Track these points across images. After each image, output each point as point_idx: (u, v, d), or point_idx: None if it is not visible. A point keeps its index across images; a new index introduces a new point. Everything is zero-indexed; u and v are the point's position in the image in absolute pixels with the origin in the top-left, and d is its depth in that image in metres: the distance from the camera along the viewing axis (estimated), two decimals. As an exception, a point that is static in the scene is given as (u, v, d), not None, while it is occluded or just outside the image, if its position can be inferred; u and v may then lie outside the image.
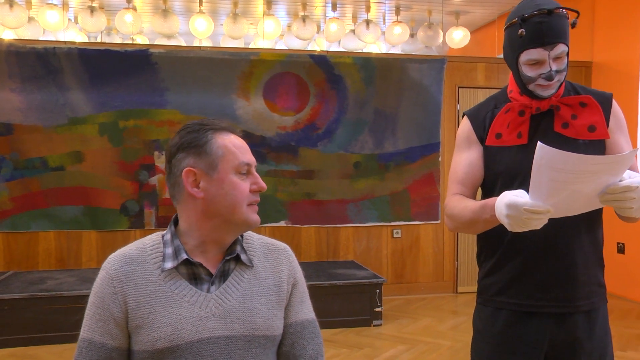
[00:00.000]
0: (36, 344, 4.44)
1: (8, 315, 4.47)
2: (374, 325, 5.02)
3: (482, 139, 1.88)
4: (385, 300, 5.77)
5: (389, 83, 5.89)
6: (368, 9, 7.25)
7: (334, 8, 7.10)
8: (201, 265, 1.45)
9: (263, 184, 1.49)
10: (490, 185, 1.86)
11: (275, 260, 1.56)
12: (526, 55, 1.71)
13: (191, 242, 1.46)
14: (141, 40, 7.48)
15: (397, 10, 7.32)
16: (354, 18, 7.81)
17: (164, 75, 5.46)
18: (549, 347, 1.80)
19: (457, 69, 6.14)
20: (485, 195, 1.90)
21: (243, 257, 1.50)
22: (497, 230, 1.74)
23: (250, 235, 1.59)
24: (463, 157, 1.90)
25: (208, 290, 1.44)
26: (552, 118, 1.79)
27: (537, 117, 1.80)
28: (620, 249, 5.90)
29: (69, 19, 6.92)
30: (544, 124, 1.80)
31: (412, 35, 7.81)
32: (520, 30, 1.69)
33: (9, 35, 6.59)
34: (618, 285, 5.66)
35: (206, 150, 1.42)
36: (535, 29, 1.68)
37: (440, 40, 7.25)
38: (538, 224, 1.52)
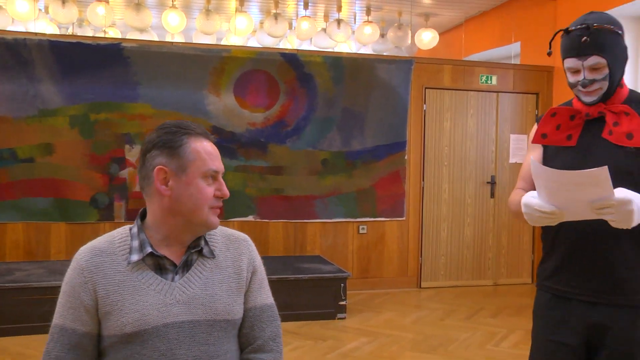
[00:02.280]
0: (3, 335, 4.47)
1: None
2: (339, 319, 5.16)
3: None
4: (350, 294, 5.91)
5: (357, 82, 6.03)
6: (339, 9, 7.38)
7: (305, 6, 7.22)
8: (165, 257, 1.58)
9: (226, 192, 1.62)
10: None
11: (235, 250, 1.69)
12: (566, 64, 1.93)
13: (156, 236, 1.59)
14: (113, 33, 7.50)
15: (368, 11, 7.46)
16: (326, 17, 7.94)
17: (136, 69, 5.51)
18: (588, 332, 1.96)
19: (424, 70, 6.30)
20: None
21: (205, 249, 1.63)
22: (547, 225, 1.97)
23: None
24: (527, 157, 2.13)
25: (172, 280, 1.57)
26: (604, 125, 1.95)
27: (591, 123, 1.98)
28: None
29: (40, 9, 6.90)
30: (594, 130, 1.97)
31: (382, 36, 7.97)
32: (548, 51, 2.01)
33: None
34: None
35: (179, 153, 1.55)
36: (572, 41, 1.89)
37: (409, 41, 7.40)
38: (550, 222, 1.80)
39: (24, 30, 6.63)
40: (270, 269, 5.32)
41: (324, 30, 7.63)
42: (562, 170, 1.70)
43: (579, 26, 1.89)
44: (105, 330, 1.53)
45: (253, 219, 5.90)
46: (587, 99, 1.94)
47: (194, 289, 1.57)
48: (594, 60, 1.87)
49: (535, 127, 2.15)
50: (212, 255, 1.64)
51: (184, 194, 1.55)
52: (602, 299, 1.94)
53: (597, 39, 1.87)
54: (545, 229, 2.09)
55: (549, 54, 2.05)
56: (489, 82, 6.46)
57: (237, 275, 1.65)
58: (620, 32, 1.92)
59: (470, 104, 6.44)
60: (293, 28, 7.81)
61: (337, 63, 5.98)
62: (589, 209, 1.72)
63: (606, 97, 1.93)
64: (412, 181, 6.30)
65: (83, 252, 1.58)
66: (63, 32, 7.36)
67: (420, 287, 6.41)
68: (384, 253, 6.31)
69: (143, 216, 1.64)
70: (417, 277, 6.41)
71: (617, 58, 1.91)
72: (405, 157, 6.22)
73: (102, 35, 6.99)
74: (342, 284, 5.18)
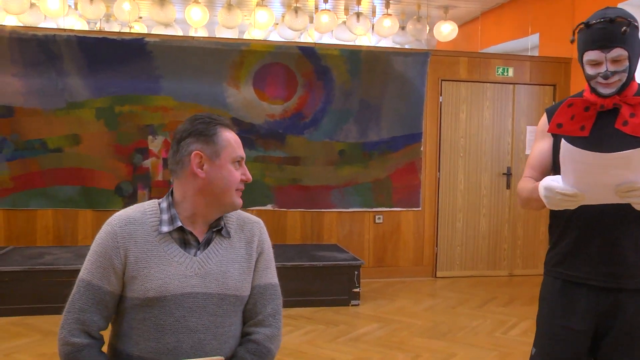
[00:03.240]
0: (33, 313, 4.74)
1: (8, 286, 4.78)
2: (352, 305, 5.31)
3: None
4: (366, 282, 6.07)
5: (374, 75, 6.16)
6: (359, 2, 7.49)
7: (325, 0, 7.34)
8: (191, 233, 1.77)
9: (249, 176, 1.84)
10: (558, 171, 2.08)
11: (249, 232, 1.87)
12: (587, 56, 1.98)
13: (183, 213, 1.77)
14: (139, 27, 7.73)
15: (387, 3, 7.55)
16: (346, 10, 8.05)
17: (158, 63, 5.72)
18: (598, 317, 2.04)
19: (440, 63, 6.39)
20: None
21: (223, 230, 1.82)
22: (559, 211, 2.03)
23: None
24: (537, 146, 2.21)
25: (195, 254, 1.76)
26: (616, 116, 2.01)
27: (604, 114, 2.03)
28: None
29: (69, 6, 7.16)
30: (607, 121, 2.02)
31: (402, 28, 8.06)
32: (579, 34, 2.00)
33: (11, 21, 6.85)
34: None
35: (214, 140, 1.75)
36: (595, 34, 1.95)
37: (427, 33, 7.48)
38: (570, 205, 1.83)
39: (54, 26, 6.89)
40: (287, 257, 5.53)
41: (344, 23, 7.75)
42: (596, 153, 1.71)
43: (600, 19, 1.94)
44: (130, 292, 1.71)
45: (271, 208, 6.08)
46: (606, 91, 1.99)
47: (210, 265, 1.76)
48: (617, 52, 1.93)
49: (544, 116, 2.22)
50: (228, 235, 1.82)
51: (217, 176, 1.74)
52: (612, 283, 2.01)
53: (616, 32, 1.92)
54: (555, 218, 2.17)
55: (572, 41, 2.08)
56: (506, 74, 6.51)
57: (248, 256, 1.84)
58: (637, 25, 1.98)
59: (486, 95, 6.50)
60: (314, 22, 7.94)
61: (354, 56, 6.11)
62: (613, 192, 1.78)
63: (621, 90, 2.00)
64: (427, 172, 6.41)
65: (117, 218, 1.75)
66: (91, 28, 7.62)
67: (435, 277, 6.52)
68: (400, 242, 6.43)
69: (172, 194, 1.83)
70: (432, 267, 6.53)
71: (636, 51, 1.98)
72: (421, 148, 6.33)
73: (127, 30, 7.22)
74: (355, 272, 5.33)
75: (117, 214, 1.78)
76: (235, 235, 1.83)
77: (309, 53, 6.03)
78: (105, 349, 1.78)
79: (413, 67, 6.22)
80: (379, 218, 6.34)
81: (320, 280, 5.30)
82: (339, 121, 6.14)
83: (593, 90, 2.04)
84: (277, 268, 5.54)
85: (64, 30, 5.70)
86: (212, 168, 1.74)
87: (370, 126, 6.20)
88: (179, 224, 1.74)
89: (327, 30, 7.38)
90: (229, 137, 1.77)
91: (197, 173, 1.73)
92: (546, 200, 1.86)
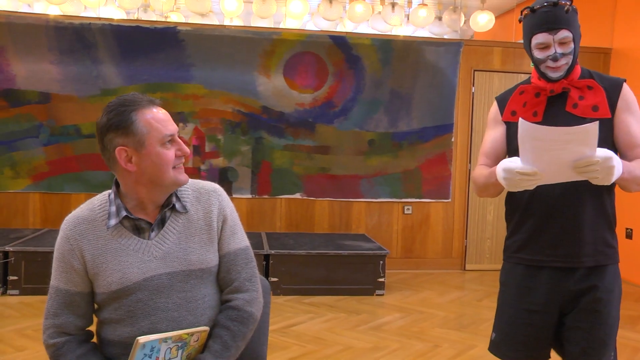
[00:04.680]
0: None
1: (42, 266, 4.94)
2: (377, 295, 5.30)
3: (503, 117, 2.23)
4: (393, 273, 6.05)
5: (405, 65, 6.11)
6: (394, -8, 7.41)
7: (361, -10, 7.28)
8: (140, 218, 1.75)
9: (186, 149, 1.74)
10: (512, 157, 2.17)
11: (206, 201, 1.84)
12: (535, 40, 2.03)
13: (130, 203, 1.76)
14: (177, 17, 7.84)
15: (423, -7, 7.45)
16: (382, 0, 7.98)
17: (190, 51, 5.81)
18: (563, 295, 2.09)
19: (473, 53, 6.29)
20: None
21: (177, 205, 1.79)
22: (516, 197, 2.13)
23: None
24: (490, 134, 2.25)
25: (148, 238, 1.75)
26: (565, 100, 2.07)
27: (554, 99, 2.09)
28: (629, 235, 6.01)
29: (108, -4, 7.31)
30: (557, 105, 2.08)
31: (439, 19, 7.94)
32: (519, 18, 2.08)
33: (53, 11, 7.04)
34: (625, 269, 5.77)
35: (133, 130, 1.65)
36: (541, 17, 2.00)
37: (462, 23, 7.36)
38: (529, 184, 1.87)
39: (94, 16, 7.06)
40: (313, 245, 5.56)
41: (379, 13, 7.68)
42: (554, 127, 1.77)
43: (544, 4, 1.99)
44: (97, 289, 1.74)
45: (300, 197, 6.11)
46: (554, 75, 2.04)
47: (168, 244, 1.75)
48: (563, 34, 1.99)
49: (495, 105, 2.27)
50: (185, 209, 1.79)
51: (149, 164, 1.67)
52: (573, 263, 2.07)
53: (563, 14, 1.98)
54: (512, 205, 2.20)
55: (520, 20, 2.12)
56: (541, 64, 6.35)
57: (208, 227, 1.81)
58: (576, 9, 2.03)
59: (520, 86, 6.36)
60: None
61: (386, 45, 6.07)
62: (571, 169, 1.81)
63: (568, 73, 2.05)
64: (458, 163, 6.33)
65: (67, 221, 1.76)
66: (130, 18, 7.77)
67: (464, 270, 6.45)
68: (429, 234, 6.38)
69: (118, 183, 1.78)
70: (461, 259, 6.45)
71: (578, 34, 2.03)
72: (452, 140, 6.25)
73: (163, 20, 7.34)
74: (381, 261, 5.31)
75: (68, 216, 1.77)
76: (192, 208, 1.80)
77: (340, 42, 6.02)
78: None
79: (445, 57, 6.14)
80: (408, 209, 6.30)
81: (345, 269, 5.30)
82: (369, 111, 6.12)
83: (542, 75, 2.09)
84: (303, 256, 5.65)
85: (99, 19, 5.83)
86: (141, 159, 1.67)
87: (401, 116, 6.16)
88: (124, 213, 1.71)
89: (361, 20, 7.33)
90: (149, 119, 1.66)
91: (128, 168, 1.67)
92: (505, 181, 1.90)
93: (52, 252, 4.96)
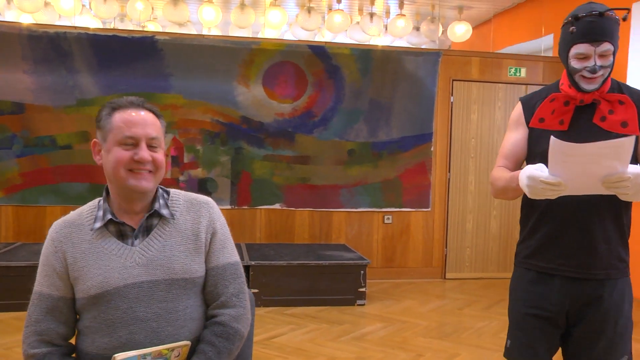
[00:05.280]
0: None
1: (14, 281, 4.81)
2: (358, 305, 5.27)
3: (529, 123, 2.18)
4: (374, 283, 6.03)
5: (385, 74, 6.12)
6: (373, 2, 7.45)
7: (339, 0, 7.32)
8: (125, 223, 1.73)
9: (143, 155, 1.68)
10: (532, 163, 2.11)
11: (195, 213, 1.82)
12: (575, 49, 1.97)
13: (114, 205, 1.75)
14: (154, 27, 7.78)
15: (401, 4, 7.51)
16: (360, 10, 8.02)
17: (168, 61, 5.75)
18: (569, 306, 2.08)
19: (452, 62, 6.33)
20: None
21: (165, 212, 1.77)
22: (533, 203, 2.09)
23: (175, 192, 1.86)
24: (511, 136, 2.21)
25: (132, 244, 1.72)
26: (594, 111, 2.03)
27: (581, 108, 2.05)
28: None
29: (83, 5, 7.23)
30: (585, 116, 2.04)
31: (417, 29, 8.01)
32: (571, 28, 1.98)
33: (26, 19, 6.93)
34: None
35: (103, 125, 1.71)
36: (585, 27, 1.94)
37: (440, 33, 7.42)
38: (552, 194, 1.84)
39: (69, 24, 6.97)
40: (294, 255, 5.50)
41: (358, 23, 7.72)
42: (586, 144, 1.73)
43: (589, 12, 1.94)
44: (77, 294, 1.70)
45: (280, 207, 6.07)
46: (589, 87, 2.00)
47: (152, 251, 1.72)
48: (605, 47, 1.94)
49: (519, 106, 2.23)
50: (172, 217, 1.77)
51: (106, 161, 1.71)
52: (584, 274, 2.05)
53: (608, 26, 1.94)
54: (528, 211, 2.18)
55: (625, 18, 2.05)
56: (518, 74, 6.43)
57: (195, 237, 1.78)
58: (619, 22, 1.98)
59: (498, 96, 6.43)
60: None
61: (365, 55, 6.08)
62: (600, 183, 1.79)
63: (600, 85, 2.01)
64: (438, 172, 6.34)
65: (55, 225, 1.78)
66: (106, 27, 7.68)
67: (444, 278, 6.45)
68: (409, 243, 6.37)
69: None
70: (442, 268, 6.45)
71: (617, 46, 1.99)
72: (432, 149, 6.27)
73: (140, 29, 7.27)
74: (362, 271, 5.28)
75: (57, 220, 1.79)
76: (181, 218, 1.78)
77: (319, 52, 6.02)
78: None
79: (424, 66, 6.17)
80: (388, 218, 6.29)
81: (326, 280, 5.26)
82: (348, 120, 6.11)
83: (573, 84, 2.04)
84: (283, 267, 5.57)
85: (75, 27, 5.74)
86: (105, 153, 1.72)
87: (380, 126, 6.16)
88: (109, 216, 1.71)
89: (340, 31, 7.36)
90: (118, 119, 1.68)
91: (95, 159, 1.74)
92: (528, 189, 1.86)
93: (25, 267, 4.82)
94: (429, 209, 6.33)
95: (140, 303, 1.67)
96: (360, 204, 6.21)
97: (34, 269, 5.06)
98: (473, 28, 7.78)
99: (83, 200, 6.14)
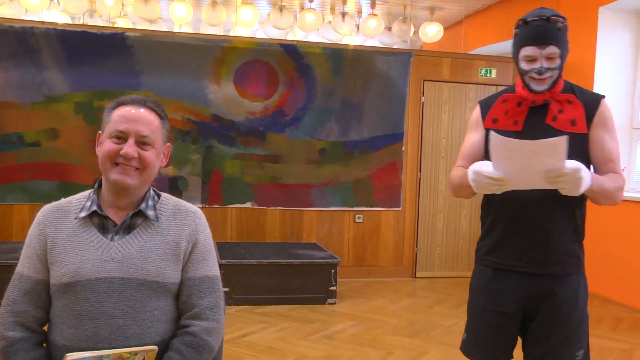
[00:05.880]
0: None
1: (-21, 280, 4.73)
2: (329, 303, 5.29)
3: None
4: (345, 282, 6.05)
5: (356, 74, 6.15)
6: (345, 1, 7.47)
7: (310, -1, 7.32)
8: (109, 217, 1.74)
9: (127, 150, 1.70)
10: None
11: (180, 220, 1.82)
12: (523, 52, 2.07)
13: (103, 199, 1.78)
14: (124, 23, 7.69)
15: (373, 4, 7.53)
16: (332, 10, 8.03)
17: (139, 58, 5.69)
18: (526, 301, 2.15)
19: (423, 63, 6.38)
20: None
21: (150, 213, 1.77)
22: (489, 201, 2.21)
23: (166, 197, 1.87)
24: (470, 137, 2.30)
25: (111, 239, 1.73)
26: (546, 112, 2.12)
27: (535, 109, 2.14)
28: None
29: (51, 0, 7.11)
30: (539, 116, 2.13)
31: (388, 29, 8.05)
32: (520, 31, 2.10)
33: (-8, 14, 6.79)
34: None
35: (104, 119, 1.78)
36: (532, 31, 2.04)
37: (412, 34, 7.47)
38: (496, 189, 1.95)
39: (36, 19, 6.85)
40: (265, 254, 5.50)
41: (330, 23, 7.73)
42: (524, 140, 1.83)
43: (537, 17, 2.04)
44: (51, 279, 1.71)
45: (250, 206, 6.06)
46: (538, 88, 2.09)
47: (129, 249, 1.71)
48: (551, 49, 2.04)
49: (477, 109, 2.31)
50: (157, 219, 1.77)
51: (100, 153, 1.76)
52: (539, 269, 2.12)
53: (554, 30, 2.03)
54: (486, 208, 2.26)
55: (560, 29, 2.12)
56: (489, 75, 6.51)
57: (175, 244, 1.77)
58: (567, 27, 2.08)
59: (469, 97, 6.50)
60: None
61: (337, 54, 6.10)
62: (541, 178, 1.87)
63: (551, 87, 2.10)
64: (409, 172, 6.40)
65: (45, 208, 1.80)
66: (75, 23, 7.58)
67: (415, 277, 6.51)
68: (380, 242, 6.41)
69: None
70: (412, 267, 6.51)
71: (566, 50, 2.09)
72: (403, 148, 6.31)
73: (110, 26, 7.19)
74: (332, 270, 5.30)
75: (48, 204, 1.81)
76: (165, 222, 1.79)
77: (291, 51, 6.02)
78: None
79: (395, 66, 6.21)
80: (359, 217, 6.32)
81: (297, 278, 5.27)
82: (320, 120, 6.12)
83: (526, 86, 2.13)
84: (254, 265, 5.55)
85: (42, 22, 5.65)
86: (100, 146, 1.77)
87: (352, 125, 6.19)
88: (94, 208, 1.73)
89: (311, 30, 7.36)
90: (116, 113, 1.74)
91: (96, 151, 1.79)
92: (474, 183, 1.97)
93: (-7, 266, 4.70)
94: (400, 209, 6.38)
95: (109, 298, 1.66)
96: (331, 203, 6.23)
97: (2, 268, 4.98)
98: (445, 29, 7.85)
99: (52, 198, 6.05)
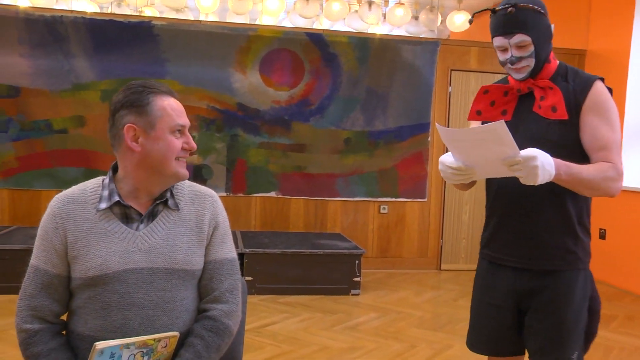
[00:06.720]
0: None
1: (9, 264, 4.80)
2: (352, 294, 5.27)
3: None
4: (369, 272, 6.03)
5: (382, 63, 6.09)
6: (372, -10, 7.39)
7: (338, -12, 7.25)
8: (132, 207, 1.70)
9: (193, 144, 1.74)
10: None
11: (200, 204, 1.80)
12: (495, 42, 2.02)
13: (125, 188, 1.71)
14: (151, 12, 7.71)
15: (400, -8, 7.45)
16: (359, -1, 7.96)
17: (165, 46, 5.71)
18: (517, 296, 2.10)
19: (450, 52, 6.29)
20: None
21: (170, 202, 1.75)
22: (487, 194, 2.18)
23: (181, 182, 1.83)
24: None
25: (137, 229, 1.70)
26: (534, 100, 2.04)
27: (524, 98, 2.07)
28: (602, 235, 6.07)
29: (81, -11, 7.16)
30: (526, 105, 2.06)
31: (415, 18, 7.95)
32: (469, 19, 2.08)
33: (23, 3, 6.87)
34: (598, 270, 5.83)
35: (147, 110, 1.65)
36: (498, 20, 1.98)
37: (439, 23, 7.37)
38: (461, 179, 1.91)
39: (66, 8, 6.91)
40: (288, 244, 5.50)
41: (356, 12, 7.66)
42: (463, 129, 1.78)
43: (503, 6, 1.96)
44: (73, 273, 1.67)
45: (275, 195, 6.05)
46: (517, 76, 2.03)
47: (155, 238, 1.69)
48: (518, 38, 1.95)
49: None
50: (177, 207, 1.75)
51: (154, 148, 1.66)
52: (529, 264, 2.06)
53: (520, 18, 1.94)
54: (486, 201, 2.23)
55: (470, 21, 2.18)
56: (517, 65, 6.39)
57: (199, 229, 1.76)
58: (542, 11, 1.98)
59: (496, 87, 6.39)
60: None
61: (363, 43, 6.04)
62: (501, 166, 1.80)
63: (534, 73, 2.02)
64: (435, 163, 6.33)
65: (57, 199, 1.71)
66: (103, 12, 7.63)
67: (440, 269, 6.45)
68: (405, 233, 6.37)
69: (115, 169, 1.76)
70: (437, 259, 6.45)
71: (541, 36, 1.98)
72: (429, 139, 6.25)
73: (137, 14, 7.22)
74: (356, 261, 5.28)
75: (58, 194, 1.74)
76: (185, 208, 1.77)
77: (316, 40, 5.98)
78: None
79: (422, 56, 6.14)
80: (383, 208, 6.28)
81: (320, 269, 5.26)
82: (345, 109, 6.08)
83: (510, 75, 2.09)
84: (278, 255, 5.56)
85: (72, 11, 5.70)
86: (148, 140, 1.66)
87: (377, 115, 6.14)
88: (117, 199, 1.68)
89: (337, 19, 7.30)
90: (165, 105, 1.67)
91: (132, 147, 1.66)
92: (442, 174, 1.95)
93: (20, 251, 4.81)
94: (425, 200, 6.32)
95: (138, 289, 1.65)
96: (356, 194, 6.20)
97: (28, 252, 5.07)
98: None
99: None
